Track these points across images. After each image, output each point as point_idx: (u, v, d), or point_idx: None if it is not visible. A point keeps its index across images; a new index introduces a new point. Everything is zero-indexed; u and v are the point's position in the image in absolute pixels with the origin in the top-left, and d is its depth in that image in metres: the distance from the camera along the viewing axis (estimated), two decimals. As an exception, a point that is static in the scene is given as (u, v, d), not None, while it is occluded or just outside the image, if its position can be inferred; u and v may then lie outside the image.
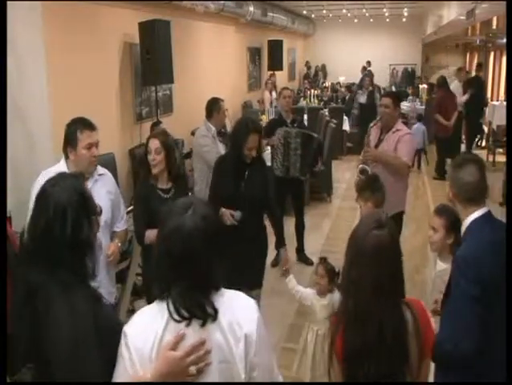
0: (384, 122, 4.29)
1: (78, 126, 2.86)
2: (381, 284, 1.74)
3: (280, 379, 1.69)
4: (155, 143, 3.20)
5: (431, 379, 2.09)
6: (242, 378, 1.55)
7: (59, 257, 1.64)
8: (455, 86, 9.97)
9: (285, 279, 3.49)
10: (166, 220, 1.58)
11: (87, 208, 1.73)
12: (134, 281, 4.24)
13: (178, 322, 1.52)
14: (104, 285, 2.83)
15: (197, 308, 1.52)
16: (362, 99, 11.09)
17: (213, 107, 4.85)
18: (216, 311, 1.54)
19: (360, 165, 4.26)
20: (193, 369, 1.51)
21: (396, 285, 1.80)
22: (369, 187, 3.35)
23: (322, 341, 3.29)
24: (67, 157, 2.94)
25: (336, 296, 3.29)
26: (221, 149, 4.78)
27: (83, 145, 2.84)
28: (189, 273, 1.53)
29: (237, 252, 3.40)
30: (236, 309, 1.59)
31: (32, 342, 1.61)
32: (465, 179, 2.23)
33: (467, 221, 2.22)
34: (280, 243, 3.69)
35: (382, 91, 14.47)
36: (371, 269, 1.74)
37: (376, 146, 4.27)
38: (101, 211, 1.86)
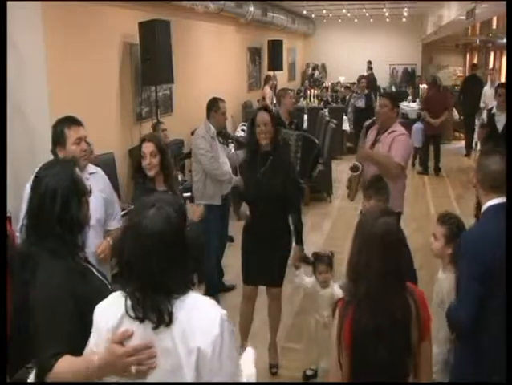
0: (380, 122, 4.24)
1: (64, 124, 2.89)
2: (391, 268, 1.86)
3: None
4: (149, 147, 3.21)
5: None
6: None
7: (49, 231, 1.83)
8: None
9: (295, 271, 3.62)
10: (129, 217, 1.63)
11: (76, 189, 1.90)
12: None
13: (132, 318, 1.54)
14: None
15: (151, 310, 1.50)
16: (359, 102, 9.98)
17: (212, 106, 4.82)
18: (170, 318, 1.50)
19: (353, 162, 4.27)
20: (132, 369, 1.52)
21: (403, 269, 1.93)
22: (373, 186, 3.37)
23: (322, 329, 3.46)
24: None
25: (334, 287, 3.48)
26: (221, 151, 4.75)
27: (72, 141, 2.86)
28: (141, 274, 1.52)
29: (255, 247, 3.57)
30: (195, 319, 1.51)
31: (24, 310, 1.78)
32: (491, 167, 2.36)
33: (485, 206, 2.35)
34: (297, 240, 3.69)
35: (382, 91, 14.53)
36: (382, 254, 1.85)
37: (372, 146, 4.24)
38: (91, 191, 2.01)
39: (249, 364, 1.74)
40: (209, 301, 1.59)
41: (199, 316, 1.52)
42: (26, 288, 1.78)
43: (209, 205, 4.43)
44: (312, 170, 5.61)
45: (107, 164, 5.22)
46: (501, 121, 6.09)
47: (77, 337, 1.67)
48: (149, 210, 1.53)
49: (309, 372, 3.69)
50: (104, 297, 1.66)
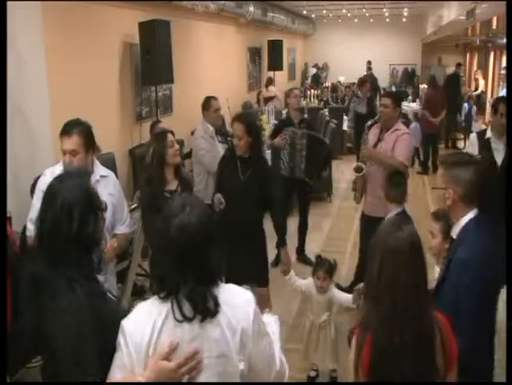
0: (383, 122, 4.27)
1: (61, 130, 2.84)
2: (418, 280, 1.70)
3: (284, 367, 1.75)
4: (172, 137, 3.31)
5: None
6: (239, 370, 1.58)
7: (65, 253, 1.69)
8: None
9: (285, 277, 3.60)
10: (166, 221, 1.59)
11: (92, 204, 1.78)
12: (134, 281, 4.24)
13: (180, 321, 1.54)
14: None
15: (201, 304, 1.55)
16: (360, 108, 8.77)
17: (205, 106, 4.86)
18: (217, 306, 1.56)
19: (356, 163, 4.27)
20: (185, 379, 1.54)
21: (427, 281, 1.76)
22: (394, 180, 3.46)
23: (317, 331, 3.47)
24: None
25: (334, 291, 3.45)
26: (221, 149, 4.73)
27: (61, 149, 2.83)
28: (196, 270, 1.56)
29: (234, 250, 3.50)
30: (233, 303, 1.60)
31: (36, 336, 1.66)
32: (470, 178, 2.17)
33: (462, 222, 2.18)
34: (280, 242, 3.70)
35: (382, 92, 14.51)
36: (409, 266, 1.69)
37: (375, 146, 4.26)
38: (106, 207, 1.90)
39: (271, 325, 1.88)
40: (235, 287, 1.69)
41: (236, 300, 1.62)
42: (39, 317, 1.66)
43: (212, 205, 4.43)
44: (321, 170, 5.60)
45: (107, 164, 5.20)
46: (499, 151, 3.97)
47: (106, 362, 1.60)
48: (184, 210, 1.59)
49: (312, 373, 3.69)
50: (122, 318, 1.61)
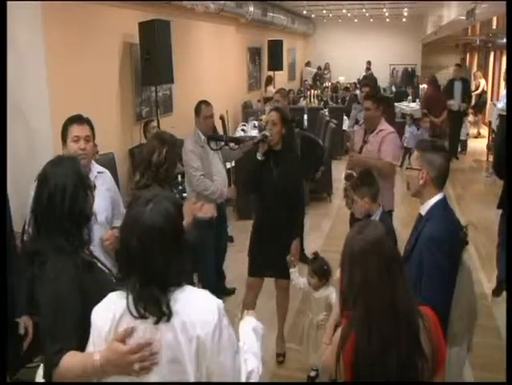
0: (367, 124, 4.39)
1: (69, 121, 2.96)
2: (387, 271, 1.76)
3: (253, 377, 1.67)
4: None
5: None
6: (190, 379, 1.54)
7: (58, 225, 1.87)
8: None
9: (290, 269, 3.65)
10: (127, 212, 1.63)
11: (83, 183, 1.96)
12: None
13: (134, 317, 1.54)
14: None
15: (151, 305, 1.53)
16: (360, 116, 7.94)
17: (196, 110, 4.55)
18: (170, 311, 1.52)
19: (346, 171, 4.35)
20: (136, 366, 1.53)
21: (401, 272, 1.81)
22: (364, 182, 3.43)
23: (315, 330, 3.47)
24: None
25: (329, 290, 3.45)
26: (214, 158, 4.52)
27: (71, 138, 2.91)
28: (143, 269, 1.54)
29: (263, 240, 3.68)
30: (193, 309, 1.56)
31: (30, 300, 1.85)
32: (442, 163, 2.45)
33: (430, 202, 2.45)
34: (294, 235, 3.78)
35: (382, 92, 14.50)
36: (372, 266, 1.75)
37: (361, 148, 4.35)
38: (95, 186, 2.08)
39: (249, 334, 1.82)
40: (204, 293, 1.63)
41: (196, 307, 1.56)
42: (32, 283, 1.82)
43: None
44: (315, 172, 5.61)
45: (107, 164, 5.20)
46: None
47: (82, 332, 1.68)
48: (147, 205, 1.56)
49: (312, 373, 3.69)
50: (109, 291, 1.66)
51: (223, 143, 4.62)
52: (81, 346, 1.66)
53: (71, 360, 1.65)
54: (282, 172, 3.65)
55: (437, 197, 2.46)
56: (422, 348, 1.73)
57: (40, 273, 1.81)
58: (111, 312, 1.58)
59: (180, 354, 1.52)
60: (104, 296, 1.64)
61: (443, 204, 2.46)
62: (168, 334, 1.53)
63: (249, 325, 1.88)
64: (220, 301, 1.61)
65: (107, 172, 3.17)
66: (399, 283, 1.77)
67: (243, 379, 1.63)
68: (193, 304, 1.56)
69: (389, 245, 1.83)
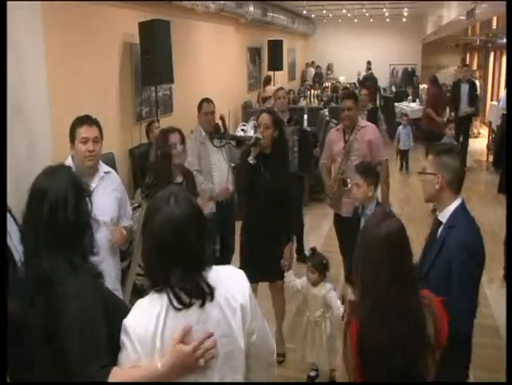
0: (349, 123, 4.41)
1: (78, 122, 2.96)
2: (400, 271, 1.77)
3: (274, 346, 1.84)
4: (176, 136, 3.35)
5: None
6: (242, 347, 1.64)
7: (65, 240, 1.75)
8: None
9: (284, 273, 3.67)
10: (152, 215, 1.63)
11: (81, 191, 1.87)
12: (134, 281, 4.24)
13: (179, 309, 1.56)
14: (107, 284, 2.88)
15: (195, 290, 1.58)
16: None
17: (198, 107, 4.75)
18: (212, 289, 1.60)
19: (339, 176, 4.42)
20: (201, 361, 1.56)
21: (413, 271, 1.85)
22: (373, 171, 3.63)
23: (313, 327, 3.50)
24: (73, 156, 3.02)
25: (327, 286, 3.50)
26: (215, 155, 4.59)
27: (79, 139, 2.91)
28: (185, 258, 1.59)
29: (255, 245, 3.62)
30: (228, 282, 1.66)
31: (46, 326, 1.67)
32: (457, 166, 2.37)
33: (450, 208, 2.34)
34: (288, 238, 3.76)
35: (382, 92, 14.51)
36: (388, 256, 1.77)
37: (344, 148, 4.38)
38: (91, 192, 1.97)
39: None
40: (228, 266, 1.78)
41: (231, 279, 1.69)
42: (49, 305, 1.68)
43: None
44: (314, 164, 5.63)
45: (107, 164, 5.21)
46: None
47: (114, 348, 1.60)
48: (169, 200, 1.62)
49: (312, 373, 3.70)
50: (119, 301, 1.68)
51: (225, 141, 4.65)
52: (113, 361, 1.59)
53: (123, 373, 1.56)
54: (274, 176, 3.57)
55: (457, 202, 2.36)
56: (430, 346, 1.77)
57: (60, 292, 1.67)
58: (150, 318, 1.56)
59: (229, 326, 1.61)
60: (117, 305, 1.66)
61: (464, 209, 2.37)
62: (214, 311, 1.60)
63: None
64: (241, 270, 1.75)
65: (113, 171, 3.19)
66: (410, 283, 1.80)
67: (273, 345, 1.82)
68: (227, 278, 1.67)
69: (406, 240, 1.85)
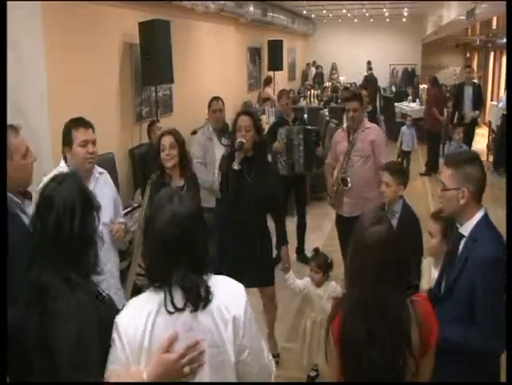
0: (354, 124, 4.38)
1: (73, 125, 2.91)
2: (382, 274, 1.78)
3: (272, 364, 1.74)
4: (169, 139, 3.29)
5: None
6: (232, 361, 1.59)
7: (67, 253, 1.68)
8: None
9: (284, 275, 3.60)
10: (156, 213, 1.62)
11: (90, 204, 1.79)
12: (134, 281, 4.24)
13: (171, 313, 1.55)
14: (111, 284, 2.90)
15: (194, 291, 1.56)
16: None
17: (208, 105, 4.86)
18: (208, 295, 1.58)
19: (341, 175, 4.39)
20: (187, 369, 1.53)
21: (398, 276, 1.82)
22: (403, 170, 3.66)
23: (318, 328, 3.43)
24: (66, 159, 2.97)
25: (331, 285, 3.47)
26: (218, 152, 4.61)
27: (78, 142, 2.87)
28: (189, 256, 1.58)
29: (240, 251, 3.50)
30: (224, 293, 1.62)
31: (39, 340, 1.63)
32: (480, 175, 2.16)
33: (473, 221, 2.16)
34: (282, 241, 3.70)
35: (382, 92, 14.51)
36: (373, 261, 1.78)
37: (349, 148, 4.36)
38: (100, 207, 1.87)
39: None
40: (226, 277, 1.71)
41: (227, 290, 1.65)
42: (43, 320, 1.64)
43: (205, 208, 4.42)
44: (320, 161, 5.64)
45: (107, 164, 5.20)
46: None
47: (103, 364, 1.59)
48: (171, 201, 1.61)
49: (312, 373, 3.69)
50: (117, 313, 1.62)
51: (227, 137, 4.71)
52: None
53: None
54: (257, 180, 3.44)
55: (480, 214, 2.16)
56: (410, 346, 1.77)
57: (54, 309, 1.62)
58: (140, 317, 1.56)
59: (219, 336, 1.58)
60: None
61: (488, 220, 2.18)
62: (206, 320, 1.57)
63: None
64: (241, 285, 1.70)
65: (105, 172, 3.18)
66: (391, 278, 1.80)
67: (267, 359, 1.72)
68: (224, 288, 1.64)
69: (398, 245, 1.85)
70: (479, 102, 9.31)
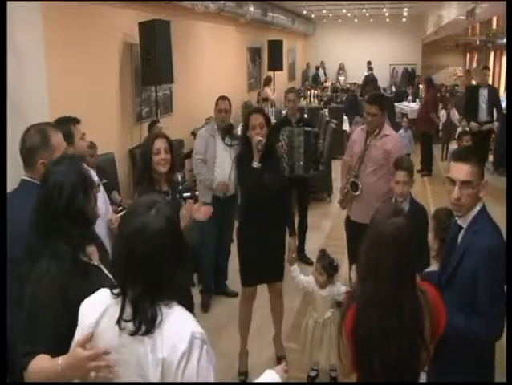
0: (371, 128, 4.19)
1: (69, 122, 3.02)
2: (399, 268, 1.80)
3: None
4: (164, 143, 3.22)
5: None
6: None
7: (54, 225, 1.84)
8: None
9: (290, 267, 3.62)
10: (129, 219, 1.54)
11: (83, 182, 1.91)
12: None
13: (115, 323, 1.51)
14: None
15: (138, 317, 1.48)
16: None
17: (215, 104, 4.88)
18: (153, 324, 1.47)
19: (351, 180, 4.27)
20: (92, 374, 1.53)
21: (413, 269, 1.87)
22: (412, 167, 3.64)
23: (320, 328, 3.44)
24: None
25: (336, 287, 3.48)
26: (221, 151, 4.68)
27: (80, 136, 3.00)
28: (147, 277, 1.48)
29: (263, 248, 3.54)
30: (166, 330, 1.48)
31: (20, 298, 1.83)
32: (483, 169, 2.31)
33: (472, 213, 2.25)
34: (290, 232, 3.72)
35: (382, 92, 14.49)
36: (390, 254, 1.80)
37: (363, 152, 4.20)
38: (99, 186, 2.06)
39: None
40: (185, 316, 1.55)
41: (169, 329, 1.48)
42: (23, 283, 1.82)
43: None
44: (319, 163, 5.61)
45: (107, 164, 5.22)
46: None
47: (65, 338, 1.64)
48: (149, 211, 1.51)
49: (312, 373, 3.69)
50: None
51: (235, 142, 4.72)
52: (63, 350, 1.63)
53: (39, 363, 1.67)
54: (271, 174, 3.50)
55: (478, 206, 2.25)
56: (424, 338, 1.81)
57: (28, 272, 1.81)
58: (94, 309, 1.58)
59: (147, 371, 1.47)
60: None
61: (486, 212, 2.27)
62: (139, 348, 1.48)
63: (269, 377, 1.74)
64: (198, 331, 1.50)
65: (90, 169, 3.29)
66: (408, 279, 1.83)
67: None
68: (168, 325, 1.48)
69: (413, 237, 1.88)
70: (496, 107, 8.13)
